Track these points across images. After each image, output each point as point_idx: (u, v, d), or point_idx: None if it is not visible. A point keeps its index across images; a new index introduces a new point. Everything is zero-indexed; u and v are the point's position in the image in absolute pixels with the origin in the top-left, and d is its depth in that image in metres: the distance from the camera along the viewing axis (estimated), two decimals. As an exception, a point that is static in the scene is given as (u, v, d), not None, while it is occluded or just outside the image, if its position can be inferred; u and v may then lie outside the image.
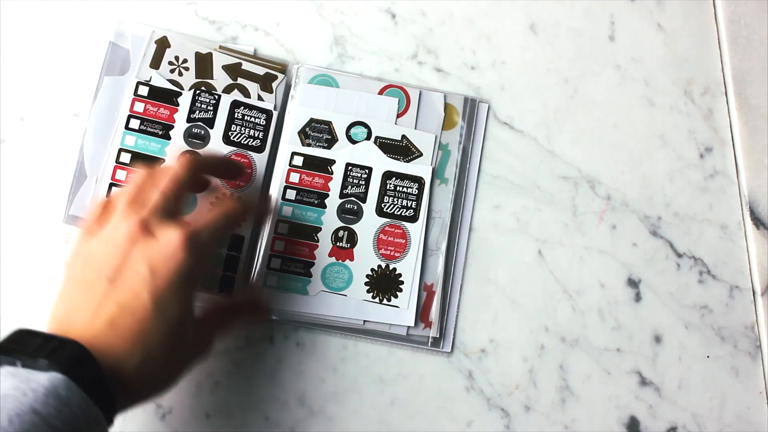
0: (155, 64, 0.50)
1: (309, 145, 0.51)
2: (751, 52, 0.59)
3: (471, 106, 0.54)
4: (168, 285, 0.36)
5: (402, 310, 0.48)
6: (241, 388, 0.47)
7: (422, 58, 0.55)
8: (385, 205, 0.50)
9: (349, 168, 0.50)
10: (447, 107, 0.53)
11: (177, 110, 0.49)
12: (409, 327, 0.49)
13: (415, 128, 0.52)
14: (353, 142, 0.51)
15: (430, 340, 0.49)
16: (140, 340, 0.34)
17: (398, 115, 0.52)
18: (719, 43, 0.59)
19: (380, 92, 0.53)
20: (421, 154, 0.51)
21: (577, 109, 0.56)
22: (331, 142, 0.51)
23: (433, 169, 0.51)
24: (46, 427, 0.29)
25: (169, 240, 0.36)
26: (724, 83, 0.58)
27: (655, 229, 0.54)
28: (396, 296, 0.49)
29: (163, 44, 0.50)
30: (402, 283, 0.49)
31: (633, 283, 0.53)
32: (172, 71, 0.50)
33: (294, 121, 0.51)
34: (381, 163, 0.50)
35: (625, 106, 0.56)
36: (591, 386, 0.50)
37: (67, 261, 0.39)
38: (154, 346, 0.35)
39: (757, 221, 0.55)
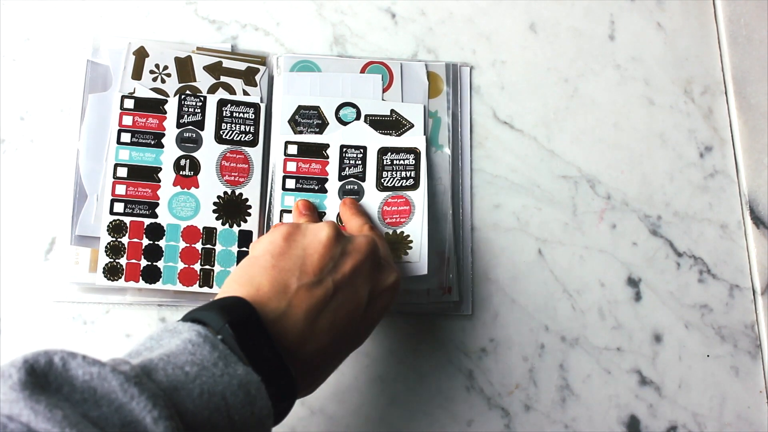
0: (137, 74, 0.50)
1: (301, 132, 0.51)
2: (751, 51, 0.59)
3: (454, 71, 0.54)
4: (375, 320, 0.37)
5: (414, 263, 0.48)
6: (241, 388, 0.47)
7: (422, 58, 0.55)
8: (384, 180, 0.50)
9: (344, 150, 0.50)
10: (430, 76, 0.53)
11: (165, 118, 0.49)
12: (429, 290, 0.49)
13: (402, 101, 0.52)
14: (344, 123, 0.51)
15: (451, 305, 0.50)
16: (330, 362, 0.36)
17: (383, 90, 0.52)
18: (719, 42, 0.59)
19: (362, 70, 0.53)
20: (412, 125, 0.51)
21: (577, 109, 0.56)
22: (322, 126, 0.51)
23: (427, 138, 0.51)
24: (226, 417, 0.29)
25: (391, 275, 0.38)
26: (724, 83, 0.58)
27: (655, 229, 0.54)
28: (406, 254, 0.49)
29: (141, 54, 0.50)
30: (411, 241, 0.49)
31: (633, 283, 0.53)
32: (154, 80, 0.50)
33: (282, 111, 0.51)
34: (374, 140, 0.51)
35: (625, 106, 0.56)
36: (591, 386, 0.50)
37: (289, 228, 0.37)
38: (331, 367, 0.37)
39: (757, 220, 0.55)
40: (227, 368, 0.30)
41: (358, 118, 0.51)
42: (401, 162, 0.50)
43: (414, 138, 0.51)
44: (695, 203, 0.55)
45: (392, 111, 0.52)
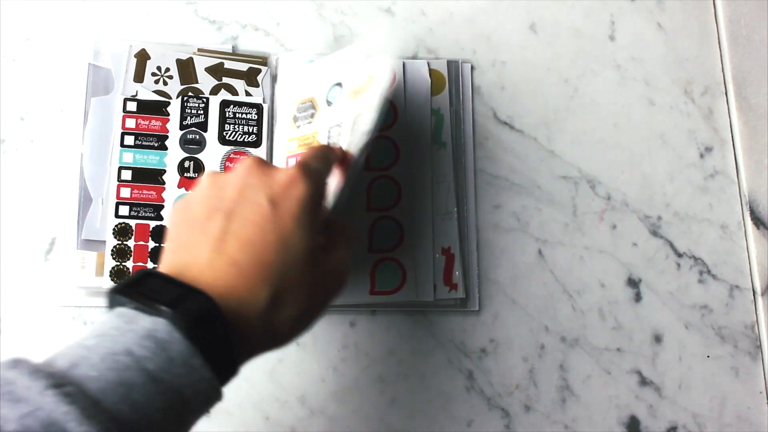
0: (138, 77, 0.50)
1: (299, 127, 0.51)
2: (751, 52, 0.59)
3: (455, 68, 0.54)
4: (291, 216, 0.32)
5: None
6: (241, 388, 0.47)
7: (422, 58, 0.55)
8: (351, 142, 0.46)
9: (330, 130, 0.49)
10: (432, 73, 0.54)
11: (168, 120, 0.49)
12: (435, 287, 0.49)
13: (405, 99, 0.52)
14: (331, 104, 0.50)
15: (458, 301, 0.50)
16: (267, 279, 0.31)
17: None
18: (719, 43, 0.59)
19: None
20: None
21: (577, 109, 0.56)
22: (314, 114, 0.50)
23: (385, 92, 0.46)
24: (138, 370, 0.26)
25: (286, 171, 0.34)
26: (724, 83, 0.58)
27: (655, 229, 0.54)
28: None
29: (143, 57, 0.50)
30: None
31: (633, 283, 0.53)
32: (156, 82, 0.50)
33: (284, 110, 0.51)
34: (352, 109, 0.48)
35: (625, 106, 0.56)
36: (591, 386, 0.50)
37: (174, 206, 0.36)
38: (282, 286, 0.31)
39: (757, 221, 0.55)
40: (129, 325, 0.28)
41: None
42: (364, 119, 0.48)
43: (374, 88, 0.46)
44: (695, 204, 0.55)
45: (368, 76, 0.48)
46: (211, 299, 0.29)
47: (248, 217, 0.32)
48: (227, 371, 0.30)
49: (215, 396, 0.30)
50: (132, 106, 0.49)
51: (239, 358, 0.31)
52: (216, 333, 0.29)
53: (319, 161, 0.37)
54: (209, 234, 0.32)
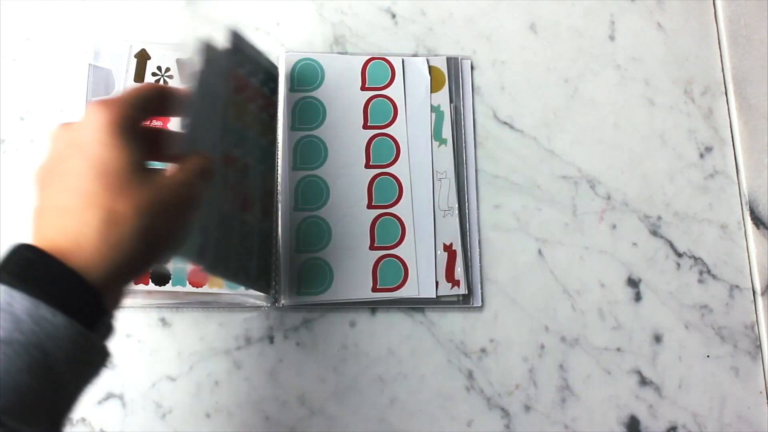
0: (139, 78, 0.50)
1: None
2: (751, 51, 0.59)
3: (455, 65, 0.55)
4: (96, 143, 0.32)
5: None
6: (241, 388, 0.47)
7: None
8: None
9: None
10: (432, 70, 0.54)
11: (170, 119, 0.49)
12: (438, 286, 0.49)
13: (405, 96, 0.53)
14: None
15: (460, 298, 0.50)
16: (92, 203, 0.31)
17: (385, 86, 0.53)
18: (719, 42, 0.59)
19: (364, 66, 0.53)
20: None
21: (577, 109, 0.56)
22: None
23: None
24: None
25: (83, 115, 0.34)
26: (724, 83, 0.58)
27: (655, 229, 0.54)
28: None
29: (143, 57, 0.50)
30: None
31: (633, 283, 0.53)
32: (156, 81, 0.50)
33: (286, 107, 0.51)
34: None
35: (625, 106, 0.56)
36: (591, 386, 0.50)
37: None
38: (111, 203, 0.31)
39: (757, 221, 0.55)
40: None
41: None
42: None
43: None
44: (695, 203, 0.55)
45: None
46: (27, 244, 0.30)
47: (61, 171, 0.33)
48: (90, 310, 0.30)
49: (87, 341, 0.29)
50: None
51: (100, 293, 0.30)
52: (49, 273, 0.29)
53: (125, 91, 0.37)
54: (42, 207, 0.33)
